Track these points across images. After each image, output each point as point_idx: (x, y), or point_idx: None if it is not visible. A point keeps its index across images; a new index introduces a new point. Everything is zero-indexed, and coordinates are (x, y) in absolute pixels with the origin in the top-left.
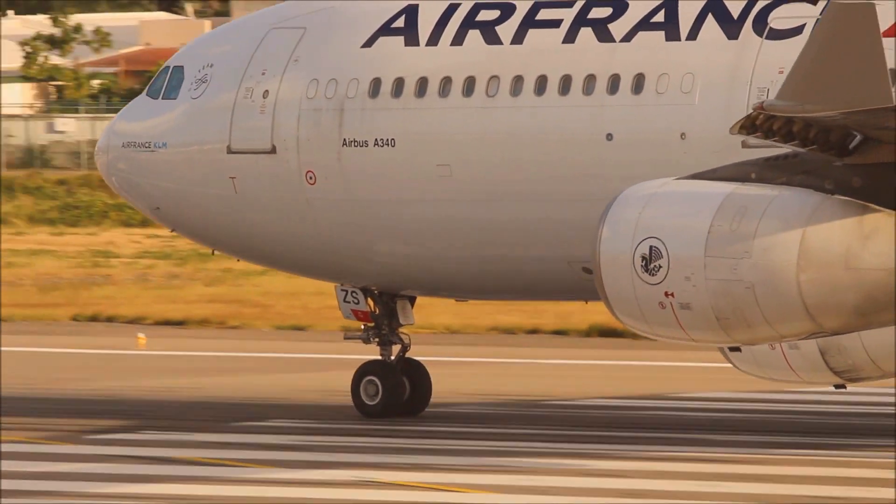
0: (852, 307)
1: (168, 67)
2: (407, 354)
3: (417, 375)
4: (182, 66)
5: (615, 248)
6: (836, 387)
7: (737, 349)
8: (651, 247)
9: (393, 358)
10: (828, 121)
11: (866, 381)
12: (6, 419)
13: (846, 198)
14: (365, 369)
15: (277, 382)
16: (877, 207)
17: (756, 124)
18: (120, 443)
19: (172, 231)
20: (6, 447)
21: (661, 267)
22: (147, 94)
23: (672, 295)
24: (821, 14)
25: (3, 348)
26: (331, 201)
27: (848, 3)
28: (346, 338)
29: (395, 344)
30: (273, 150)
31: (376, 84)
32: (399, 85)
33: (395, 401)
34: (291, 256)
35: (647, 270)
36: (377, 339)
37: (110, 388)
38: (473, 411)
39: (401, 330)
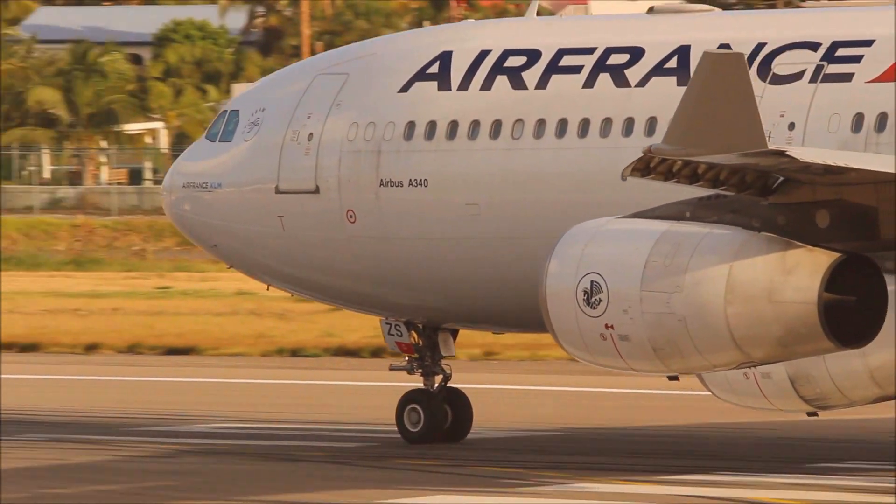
0: (776, 339)
1: (226, 112)
2: (449, 384)
3: (459, 403)
4: (238, 111)
5: (560, 283)
6: (809, 414)
7: (675, 378)
8: (592, 282)
9: (435, 387)
10: (727, 163)
11: (835, 409)
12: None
13: (771, 235)
14: (408, 398)
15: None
16: (799, 244)
17: (650, 167)
18: (694, 483)
19: (229, 267)
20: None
21: (601, 301)
22: (206, 137)
23: (612, 327)
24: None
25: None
26: (369, 238)
27: (719, 53)
28: (391, 368)
29: (438, 374)
30: (317, 190)
31: (411, 127)
32: (432, 128)
33: (437, 428)
34: (337, 290)
35: (588, 304)
36: (420, 370)
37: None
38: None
39: (443, 361)
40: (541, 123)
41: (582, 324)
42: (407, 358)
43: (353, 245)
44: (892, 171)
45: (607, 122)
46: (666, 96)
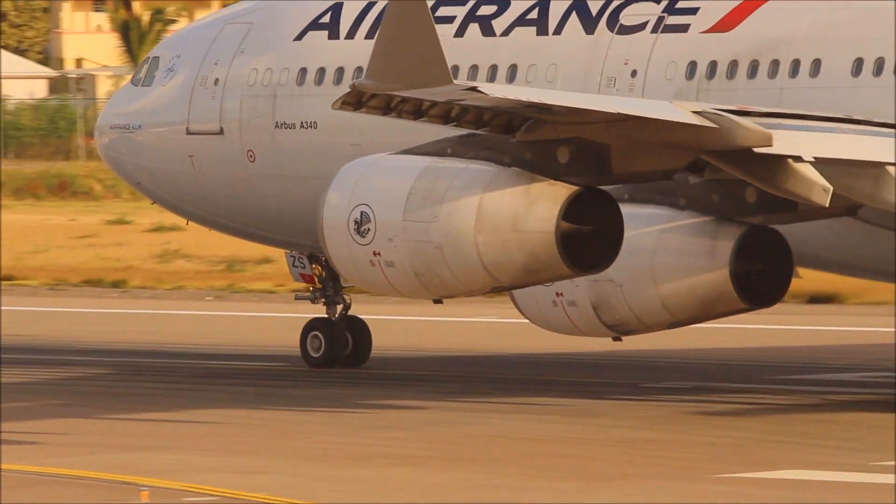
0: (520, 265)
1: (148, 58)
2: (350, 312)
3: (359, 331)
4: (158, 57)
5: (335, 213)
6: (613, 339)
7: (439, 301)
8: (362, 212)
9: (336, 316)
10: (426, 97)
11: (636, 334)
12: None
13: (519, 170)
14: (311, 325)
15: None
16: (542, 178)
17: (363, 101)
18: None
19: (152, 203)
20: None
21: (370, 230)
22: (131, 82)
23: (379, 254)
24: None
25: None
26: (268, 177)
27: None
28: (296, 298)
29: (339, 304)
30: (221, 132)
31: (303, 73)
32: (321, 74)
33: (338, 354)
34: (243, 226)
35: (359, 233)
36: (323, 300)
37: None
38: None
39: (343, 291)
40: None
41: (353, 251)
42: (311, 288)
43: (254, 183)
44: (581, 105)
45: (474, 69)
46: (526, 45)
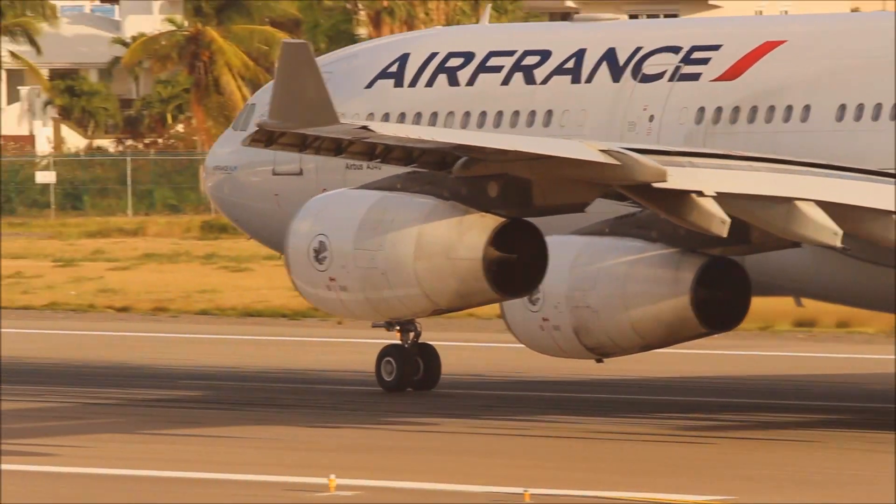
0: (454, 290)
1: (248, 105)
2: (421, 339)
3: (429, 356)
4: (255, 104)
5: (297, 242)
6: (596, 361)
7: (391, 324)
8: (320, 241)
9: (409, 342)
10: (327, 135)
11: (614, 356)
12: None
13: (456, 203)
14: (385, 351)
15: None
16: (474, 210)
17: (273, 139)
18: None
19: (248, 239)
20: None
21: (326, 258)
22: (232, 127)
23: (334, 280)
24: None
25: None
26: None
27: (290, 42)
28: (373, 326)
29: (411, 331)
30: (300, 173)
31: (370, 118)
32: (386, 119)
33: (409, 378)
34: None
35: (317, 260)
36: (397, 327)
37: None
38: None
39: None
40: (467, 115)
41: (313, 277)
42: None
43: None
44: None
45: (516, 115)
46: (561, 92)
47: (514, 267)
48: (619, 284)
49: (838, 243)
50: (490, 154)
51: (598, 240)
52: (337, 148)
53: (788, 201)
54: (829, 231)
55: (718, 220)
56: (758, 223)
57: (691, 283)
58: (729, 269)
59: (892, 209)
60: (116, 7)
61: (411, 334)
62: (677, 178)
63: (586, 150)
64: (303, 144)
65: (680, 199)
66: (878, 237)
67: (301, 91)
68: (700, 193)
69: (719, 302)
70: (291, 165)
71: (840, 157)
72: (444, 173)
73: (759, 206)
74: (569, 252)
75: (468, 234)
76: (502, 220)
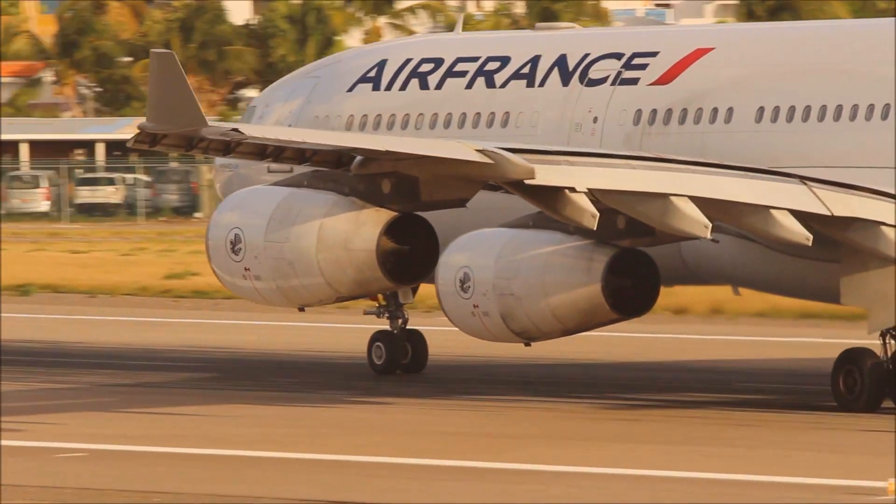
0: (352, 279)
1: (251, 106)
2: (409, 325)
3: (417, 342)
4: (255, 106)
5: (216, 234)
6: (525, 345)
7: (302, 309)
8: (235, 234)
9: (397, 329)
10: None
11: (538, 340)
12: None
13: (354, 199)
14: (375, 337)
15: None
16: (370, 205)
17: (157, 140)
18: None
19: None
20: None
21: (241, 249)
22: None
23: (249, 269)
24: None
25: None
26: None
27: (157, 52)
28: (365, 313)
29: (399, 318)
30: (291, 169)
31: (349, 120)
32: (364, 120)
33: (398, 362)
34: None
35: (234, 251)
36: (387, 314)
37: None
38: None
39: (403, 307)
40: (434, 116)
41: (230, 266)
42: (376, 305)
43: None
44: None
45: (477, 116)
46: (518, 96)
47: (407, 257)
48: (539, 273)
49: (708, 235)
50: (371, 154)
51: (523, 232)
52: (226, 148)
53: (664, 196)
54: (700, 224)
55: (589, 214)
56: (639, 217)
57: (602, 272)
58: (638, 259)
59: (766, 204)
60: (668, 11)
61: (399, 321)
62: (546, 175)
63: (463, 150)
64: (189, 145)
65: (554, 195)
66: (757, 231)
67: (170, 96)
68: (573, 189)
69: (629, 289)
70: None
71: (758, 156)
72: (344, 172)
73: (638, 201)
74: (496, 243)
75: (364, 228)
76: (394, 214)
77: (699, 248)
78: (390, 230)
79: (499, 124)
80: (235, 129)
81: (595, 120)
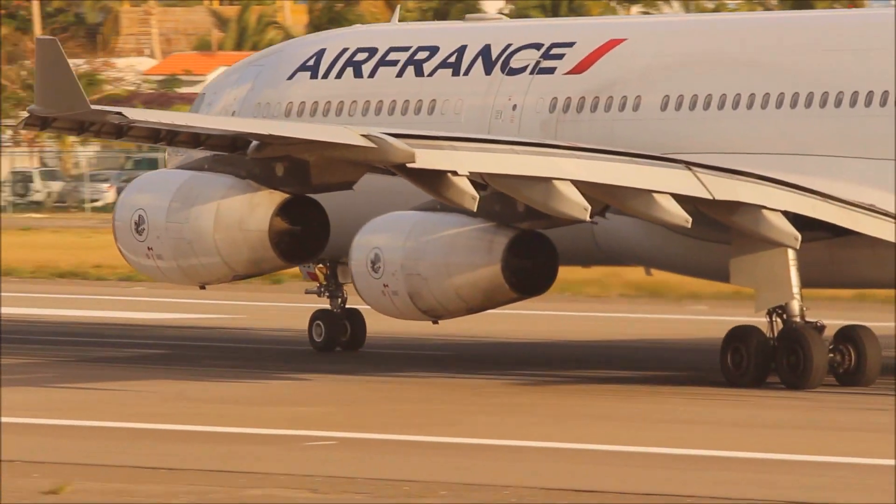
0: (247, 258)
1: (201, 94)
2: (348, 305)
3: (356, 320)
4: (204, 94)
5: (122, 215)
6: (433, 322)
7: (203, 287)
8: (139, 215)
9: (337, 308)
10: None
11: (445, 318)
12: None
13: (251, 181)
14: (315, 315)
15: None
16: (265, 188)
17: (48, 123)
18: None
19: None
20: None
21: (145, 230)
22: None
23: (152, 249)
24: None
25: None
26: None
27: (41, 38)
28: (306, 292)
29: (339, 297)
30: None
31: (288, 107)
32: (302, 107)
33: (337, 339)
34: None
35: (137, 232)
36: (327, 294)
37: None
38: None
39: (343, 287)
40: (367, 104)
41: (135, 247)
42: (317, 285)
43: None
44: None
45: (406, 104)
46: (444, 84)
47: (299, 237)
48: (444, 255)
49: (587, 218)
50: (259, 139)
51: (431, 215)
52: (117, 132)
53: (546, 180)
54: (580, 206)
55: (469, 196)
56: (525, 200)
57: (502, 253)
58: (536, 241)
59: (648, 188)
60: None
61: (339, 300)
62: (426, 158)
63: (349, 135)
64: (80, 128)
65: (437, 178)
66: (641, 214)
67: (54, 81)
68: (454, 173)
69: (527, 270)
70: None
71: (667, 143)
72: (241, 156)
73: (522, 184)
74: (405, 225)
75: (257, 209)
76: (286, 196)
77: (609, 231)
78: (283, 211)
79: (426, 111)
80: (119, 113)
81: (514, 107)
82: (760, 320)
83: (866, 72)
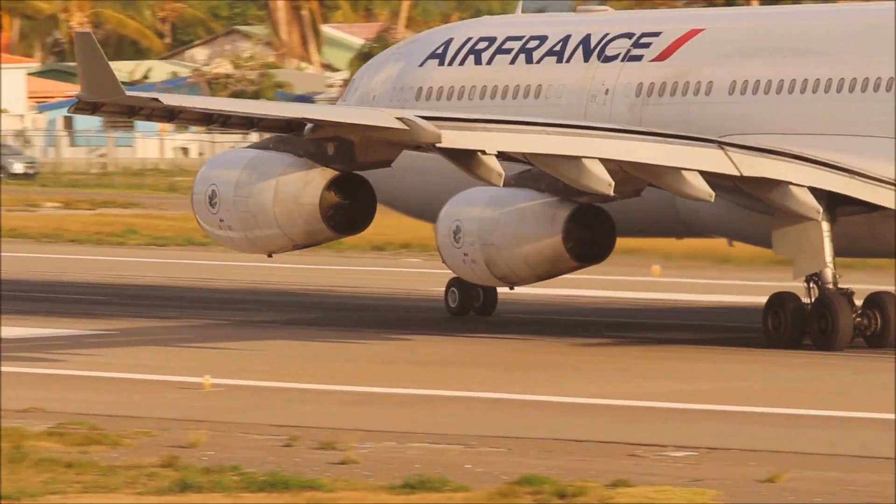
0: (302, 229)
1: (353, 80)
2: None
3: (488, 288)
4: (355, 79)
5: (199, 189)
6: (510, 288)
7: (270, 255)
8: (213, 190)
9: None
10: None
11: (519, 285)
12: None
13: (307, 160)
14: (450, 283)
15: None
16: (319, 165)
17: (95, 107)
18: None
19: None
20: None
21: (217, 203)
22: (342, 99)
23: (223, 221)
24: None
25: None
26: (403, 169)
27: (80, 32)
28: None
29: None
30: None
31: (419, 91)
32: (430, 91)
33: (470, 305)
34: (391, 202)
35: (211, 205)
36: None
37: None
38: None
39: None
40: (483, 89)
41: (209, 218)
42: None
43: (394, 173)
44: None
45: (517, 89)
46: (549, 71)
47: (348, 211)
48: (514, 225)
49: (611, 192)
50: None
51: (504, 190)
52: (170, 115)
53: (574, 158)
54: (605, 182)
55: (496, 174)
56: (559, 177)
57: (563, 224)
58: (595, 214)
59: (675, 165)
60: None
61: None
62: (453, 138)
63: (385, 118)
64: (131, 111)
65: (469, 157)
66: (671, 188)
67: (93, 70)
68: (483, 152)
69: (586, 240)
70: None
71: (733, 124)
72: (298, 136)
73: (555, 162)
74: (482, 199)
75: (310, 185)
76: (336, 173)
77: (689, 205)
78: (334, 187)
79: (532, 96)
80: (155, 99)
81: (607, 92)
82: (801, 286)
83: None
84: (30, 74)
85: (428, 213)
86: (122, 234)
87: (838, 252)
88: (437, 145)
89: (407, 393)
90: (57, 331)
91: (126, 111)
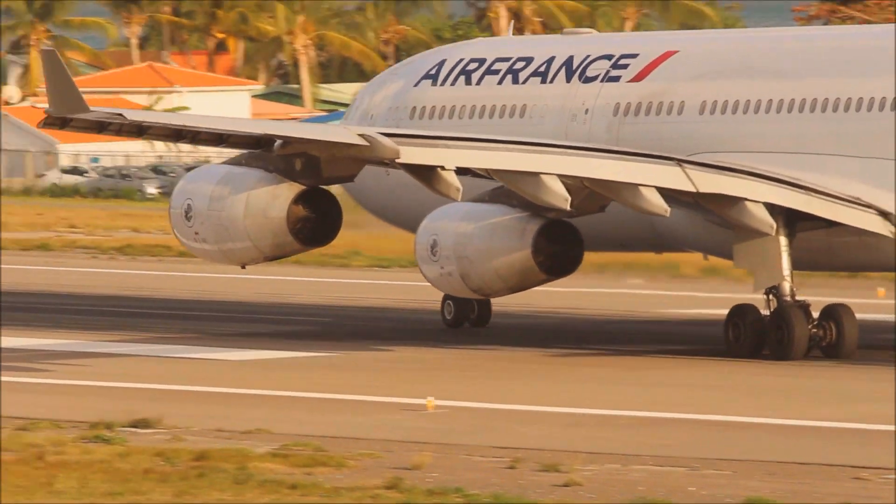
0: (271, 242)
1: (355, 99)
2: None
3: (482, 301)
4: (356, 98)
5: (175, 203)
6: (484, 300)
7: (243, 266)
8: (189, 204)
9: None
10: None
11: (492, 297)
12: None
13: (276, 175)
14: (446, 296)
15: None
16: (287, 180)
17: (64, 122)
18: None
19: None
20: None
21: (192, 216)
22: (343, 119)
23: (198, 233)
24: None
25: None
26: (398, 185)
27: (45, 49)
28: None
29: None
30: None
31: (413, 111)
32: (423, 110)
33: (465, 317)
34: (384, 214)
35: (187, 218)
36: None
37: None
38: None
39: None
40: (473, 108)
41: (185, 231)
42: None
43: (390, 187)
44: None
45: (503, 108)
46: (533, 91)
47: (315, 224)
48: (487, 239)
49: (568, 207)
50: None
51: (479, 205)
52: (139, 131)
53: (534, 175)
54: (562, 197)
55: (454, 188)
56: (518, 191)
57: (532, 238)
58: (563, 228)
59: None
60: None
61: None
62: (411, 154)
63: (347, 135)
64: (100, 127)
65: (428, 172)
66: (628, 204)
67: (58, 86)
68: (443, 168)
69: (555, 254)
70: None
71: (702, 143)
72: (268, 152)
73: (515, 178)
74: (457, 214)
75: (278, 199)
76: (302, 187)
77: (665, 221)
78: (302, 201)
79: (518, 115)
80: (120, 114)
81: (587, 111)
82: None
83: (867, 83)
84: (254, 97)
85: (414, 226)
86: (346, 255)
87: (799, 266)
88: (398, 161)
89: (629, 415)
90: (284, 353)
91: (95, 126)
